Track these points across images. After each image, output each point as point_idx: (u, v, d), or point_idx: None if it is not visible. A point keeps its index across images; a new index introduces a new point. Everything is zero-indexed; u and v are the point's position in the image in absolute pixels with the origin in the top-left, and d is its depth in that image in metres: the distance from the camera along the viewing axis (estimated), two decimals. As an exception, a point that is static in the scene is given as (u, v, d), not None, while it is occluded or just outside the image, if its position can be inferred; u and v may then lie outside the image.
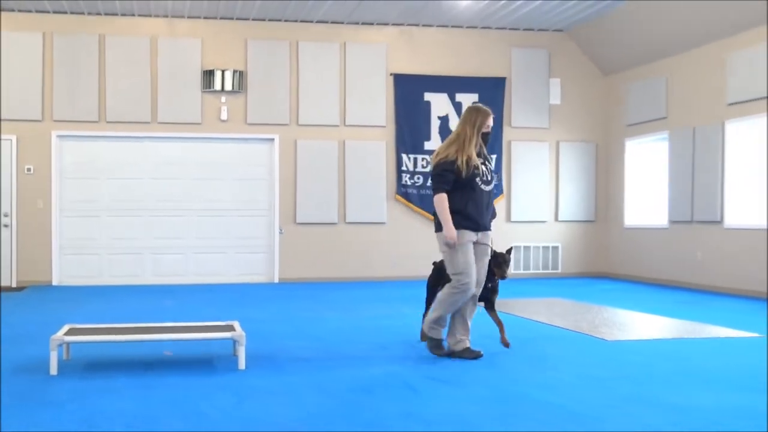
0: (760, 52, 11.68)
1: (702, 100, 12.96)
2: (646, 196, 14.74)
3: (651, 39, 13.74)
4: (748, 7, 11.51)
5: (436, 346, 6.72)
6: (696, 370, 6.15)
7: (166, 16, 14.06)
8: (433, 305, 6.84)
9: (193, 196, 14.28)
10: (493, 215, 7.11)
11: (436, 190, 6.59)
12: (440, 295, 6.77)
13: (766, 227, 11.60)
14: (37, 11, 13.65)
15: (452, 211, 6.58)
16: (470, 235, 6.63)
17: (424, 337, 7.06)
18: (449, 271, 6.65)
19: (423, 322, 7.12)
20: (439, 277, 7.23)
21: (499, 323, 7.22)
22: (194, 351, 6.88)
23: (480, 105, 6.96)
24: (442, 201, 6.52)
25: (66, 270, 13.89)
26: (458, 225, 6.57)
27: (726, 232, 12.39)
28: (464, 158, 6.53)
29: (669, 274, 13.75)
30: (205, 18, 14.21)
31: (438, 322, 6.68)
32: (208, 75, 14.11)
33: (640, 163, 14.95)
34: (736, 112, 12.24)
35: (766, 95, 11.55)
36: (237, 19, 14.29)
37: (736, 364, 6.44)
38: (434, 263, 7.55)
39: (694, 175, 13.05)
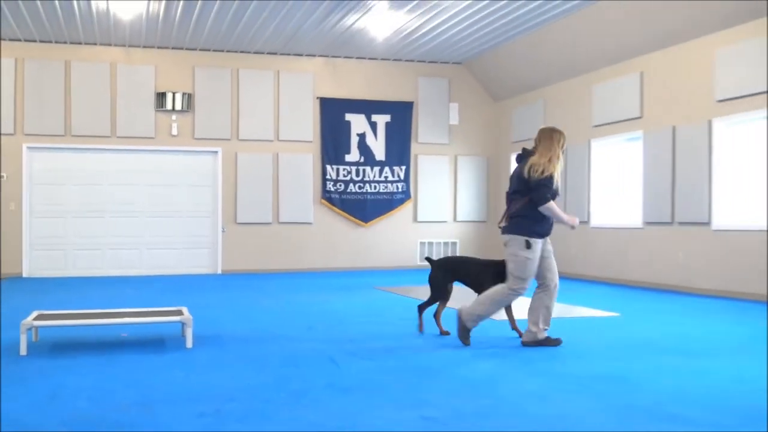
0: (621, 83, 11.97)
1: (572, 122, 13.22)
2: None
3: (531, 72, 13.97)
4: (612, 45, 11.79)
5: (467, 336, 6.16)
6: (566, 343, 6.24)
7: (124, 45, 13.73)
8: (483, 301, 6.13)
9: (147, 200, 13.99)
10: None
11: (544, 199, 5.92)
12: (494, 295, 6.12)
13: (624, 227, 11.91)
14: (10, 39, 13.19)
15: (530, 219, 6.01)
16: (540, 244, 6.06)
17: (443, 332, 6.65)
18: (516, 274, 6.01)
19: (420, 313, 6.84)
20: (446, 274, 6.73)
21: (512, 318, 6.67)
22: (148, 333, 6.73)
23: (557, 127, 6.25)
24: (552, 207, 5.96)
25: (35, 264, 13.48)
26: (532, 233, 5.99)
27: (591, 230, 12.67)
28: (557, 174, 6.00)
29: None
30: (158, 47, 13.92)
31: (483, 318, 6.16)
32: (161, 96, 13.83)
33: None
34: (599, 133, 12.53)
35: (622, 119, 11.86)
36: (186, 48, 14.04)
37: (597, 338, 6.58)
38: (430, 260, 7.00)
39: (566, 183, 13.29)
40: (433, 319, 6.92)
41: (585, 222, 12.79)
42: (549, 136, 6.09)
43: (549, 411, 4.03)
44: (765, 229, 9.30)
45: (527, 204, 6.00)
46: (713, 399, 4.33)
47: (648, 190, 11.30)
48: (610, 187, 12.47)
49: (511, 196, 6.17)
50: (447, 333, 6.69)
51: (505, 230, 6.13)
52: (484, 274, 6.54)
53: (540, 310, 6.12)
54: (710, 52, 10.20)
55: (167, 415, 3.97)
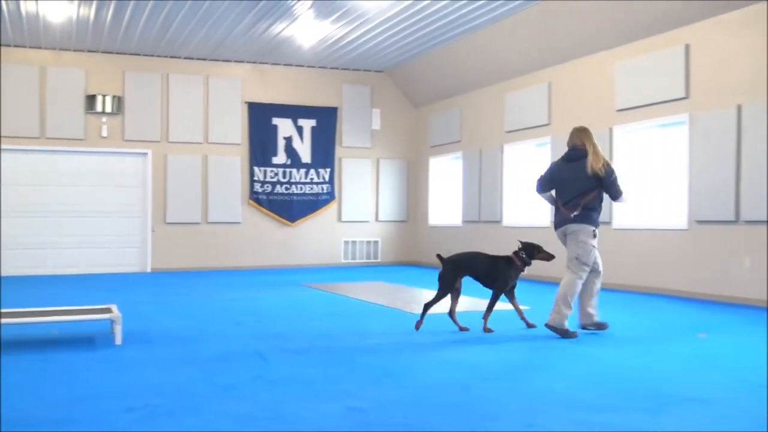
0: (531, 92, 12.21)
1: (486, 128, 13.42)
2: (445, 201, 15.14)
3: (449, 80, 14.11)
4: (523, 58, 12.01)
5: (572, 333, 6.13)
6: (482, 334, 6.31)
7: (54, 48, 13.24)
8: (563, 301, 6.14)
9: (77, 200, 13.51)
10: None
11: (622, 192, 6.36)
12: (567, 289, 6.17)
13: (532, 226, 12.15)
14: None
15: (597, 212, 6.32)
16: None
17: (463, 328, 6.50)
18: (583, 260, 6.19)
19: (425, 311, 6.52)
20: (456, 270, 6.57)
21: (519, 309, 6.70)
22: (78, 331, 6.49)
23: (583, 125, 6.62)
24: (626, 196, 6.47)
25: (-38, 263, 12.84)
26: (597, 225, 6.30)
27: (504, 229, 12.89)
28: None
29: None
30: (89, 51, 13.48)
31: (568, 310, 6.15)
32: (91, 99, 13.39)
33: (440, 175, 15.33)
34: (511, 138, 12.74)
35: (531, 126, 12.10)
36: (116, 53, 13.63)
37: (512, 329, 6.65)
38: (441, 257, 6.71)
39: (481, 186, 13.50)
40: (449, 318, 6.65)
41: (497, 221, 12.99)
42: (588, 134, 6.40)
43: (468, 399, 4.07)
44: (666, 227, 9.63)
45: (595, 198, 6.27)
46: (617, 384, 4.44)
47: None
48: (521, 188, 12.70)
49: (572, 192, 6.31)
50: (466, 329, 6.49)
51: (576, 220, 6.27)
52: (494, 268, 6.57)
53: (595, 294, 6.39)
54: (610, 65, 10.50)
55: (97, 411, 3.83)
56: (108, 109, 13.48)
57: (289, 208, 14.86)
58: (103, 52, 13.57)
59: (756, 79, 8.40)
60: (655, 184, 9.94)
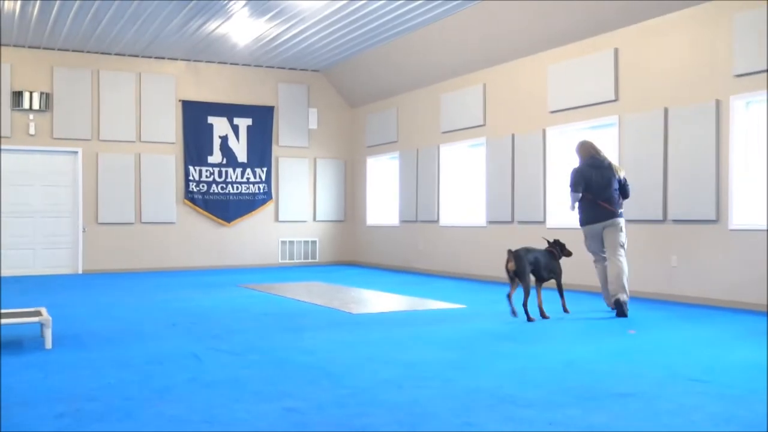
0: (467, 93, 12.35)
1: (423, 128, 13.53)
2: (382, 201, 15.20)
3: (385, 80, 14.17)
4: (456, 59, 12.14)
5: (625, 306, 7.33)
6: (418, 334, 6.38)
7: (-22, 43, 12.79)
8: (622, 275, 7.33)
9: (4, 200, 13.04)
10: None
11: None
12: (622, 267, 7.39)
13: (470, 225, 12.31)
14: None
15: (622, 208, 7.80)
16: None
17: (530, 318, 7.03)
18: (624, 245, 7.56)
19: (511, 301, 7.09)
20: (522, 263, 7.04)
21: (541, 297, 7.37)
22: (5, 335, 6.29)
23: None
24: None
25: None
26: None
27: (441, 229, 13.02)
28: None
29: (399, 261, 14.25)
30: (14, 45, 13.05)
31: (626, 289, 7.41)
32: (17, 95, 12.96)
33: (377, 175, 15.39)
34: (447, 139, 12.88)
35: (467, 126, 12.25)
36: (44, 48, 13.24)
37: (446, 328, 6.76)
38: (512, 251, 7.12)
39: (418, 185, 13.60)
40: (507, 300, 7.13)
41: (434, 221, 13.11)
42: (597, 146, 7.86)
43: (403, 398, 4.10)
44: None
45: (620, 197, 7.71)
46: (546, 380, 4.54)
47: (491, 192, 11.72)
48: (457, 188, 12.84)
49: (609, 192, 7.58)
50: (515, 314, 7.11)
51: (616, 215, 7.58)
52: (551, 260, 7.40)
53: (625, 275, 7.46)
54: (543, 67, 10.72)
55: (24, 417, 3.72)
56: (35, 105, 13.07)
57: (225, 207, 14.69)
58: (29, 47, 13.17)
59: (681, 83, 8.69)
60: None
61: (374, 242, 15.16)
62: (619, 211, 7.61)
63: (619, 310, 7.30)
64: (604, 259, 7.70)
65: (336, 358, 5.27)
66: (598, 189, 7.57)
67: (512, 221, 11.26)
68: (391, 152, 14.61)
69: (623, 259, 7.45)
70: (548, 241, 7.64)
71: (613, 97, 9.57)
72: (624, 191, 7.71)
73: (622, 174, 7.69)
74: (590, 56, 9.90)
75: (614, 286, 7.36)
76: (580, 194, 7.66)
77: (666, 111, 8.85)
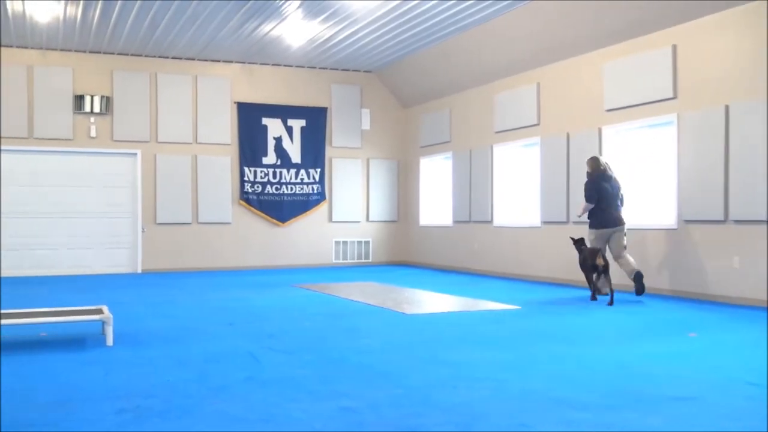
0: (520, 92, 12.27)
1: (476, 128, 13.47)
2: (436, 201, 15.18)
3: (439, 80, 14.15)
4: (511, 57, 12.07)
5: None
6: (471, 334, 6.38)
7: (41, 48, 13.21)
8: (633, 262, 9.06)
9: (66, 200, 13.49)
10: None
11: None
12: (631, 258, 9.10)
13: (524, 226, 12.22)
14: None
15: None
16: None
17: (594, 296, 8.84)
18: (627, 247, 9.25)
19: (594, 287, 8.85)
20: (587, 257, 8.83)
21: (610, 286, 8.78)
22: (67, 332, 6.50)
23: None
24: None
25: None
26: None
27: (495, 229, 12.95)
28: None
29: (452, 261, 14.21)
30: (76, 51, 13.45)
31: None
32: (79, 99, 13.36)
33: (430, 175, 15.38)
34: (500, 139, 12.80)
35: (521, 126, 12.16)
36: (104, 52, 13.62)
37: (500, 329, 6.73)
38: (598, 249, 8.81)
39: (471, 185, 13.55)
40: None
41: (488, 221, 13.05)
42: (606, 163, 9.36)
43: (457, 399, 4.10)
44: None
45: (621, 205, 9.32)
46: (601, 382, 4.49)
47: (545, 192, 11.61)
48: (511, 188, 12.76)
49: (617, 201, 9.23)
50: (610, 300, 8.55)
51: (623, 222, 9.21)
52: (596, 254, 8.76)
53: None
54: (599, 65, 10.57)
55: (86, 412, 3.84)
56: (96, 109, 13.46)
57: (280, 208, 14.87)
58: (90, 51, 13.55)
59: (742, 79, 8.47)
60: (645, 183, 10.01)
61: (427, 242, 15.15)
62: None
63: (640, 281, 8.75)
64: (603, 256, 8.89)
65: (390, 358, 5.30)
66: (610, 199, 9.16)
67: (567, 221, 11.13)
68: (444, 152, 14.59)
69: (629, 257, 9.16)
70: (574, 239, 9.32)
71: (671, 95, 9.38)
72: (623, 201, 9.38)
73: (622, 186, 9.41)
74: (647, 53, 9.72)
75: (632, 267, 8.92)
76: (594, 204, 9.17)
77: (727, 108, 8.64)
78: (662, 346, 5.77)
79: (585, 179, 9.41)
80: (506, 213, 12.80)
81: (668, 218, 9.52)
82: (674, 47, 9.36)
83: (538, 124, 11.84)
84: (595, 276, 8.78)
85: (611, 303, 8.37)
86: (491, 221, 13.00)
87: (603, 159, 9.37)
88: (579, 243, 9.19)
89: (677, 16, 9.22)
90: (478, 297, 9.32)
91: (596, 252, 8.64)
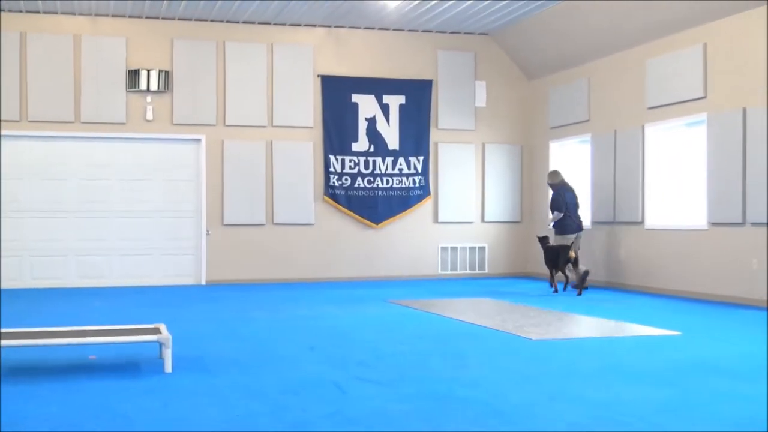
0: (678, 57, 11.97)
1: (623, 103, 13.22)
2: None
3: (573, 43, 13.96)
4: (669, 12, 11.79)
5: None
6: (618, 366, 6.27)
7: (90, 14, 13.80)
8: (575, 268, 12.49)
9: (118, 197, 14.01)
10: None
11: None
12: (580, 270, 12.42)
13: (685, 228, 11.91)
14: (-45, 8, 13.28)
15: None
16: None
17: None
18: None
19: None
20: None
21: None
22: (120, 354, 6.77)
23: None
24: None
25: (-15, 273, 13.47)
26: None
27: (647, 233, 12.67)
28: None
29: (591, 274, 13.98)
30: (129, 17, 13.98)
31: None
32: (133, 74, 13.88)
33: (563, 164, 15.15)
34: (654, 117, 12.52)
35: (683, 99, 11.86)
36: (162, 18, 14.10)
37: (655, 360, 6.58)
38: (553, 246, 12.69)
39: (616, 177, 13.31)
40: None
41: (638, 223, 12.79)
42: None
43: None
44: None
45: None
46: (789, 432, 4.35)
47: (713, 184, 11.29)
48: (669, 181, 12.46)
49: (577, 209, 12.95)
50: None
51: (582, 227, 12.99)
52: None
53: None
54: (786, 19, 10.19)
55: (143, 450, 4.01)
56: (153, 86, 13.93)
57: (373, 206, 15.00)
58: (146, 17, 14.07)
59: None
60: None
61: (559, 249, 14.96)
62: None
63: (585, 278, 12.32)
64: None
65: (508, 394, 5.28)
66: (574, 208, 12.87)
67: (743, 223, 10.78)
68: (580, 135, 14.38)
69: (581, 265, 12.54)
70: (540, 237, 13.01)
71: None
72: (579, 208, 13.09)
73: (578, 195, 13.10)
74: None
75: (582, 267, 12.46)
76: (563, 213, 12.74)
77: None
78: None
79: (551, 191, 13.10)
80: (662, 212, 12.51)
81: None
82: None
83: (704, 97, 11.52)
84: (566, 268, 12.50)
85: (573, 292, 12.28)
86: (642, 222, 12.73)
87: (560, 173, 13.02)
88: (544, 240, 12.77)
89: None
90: (626, 319, 9.17)
91: (568, 247, 12.31)
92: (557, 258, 12.37)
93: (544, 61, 15.10)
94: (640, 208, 12.79)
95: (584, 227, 13.08)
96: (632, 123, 12.98)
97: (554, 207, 12.87)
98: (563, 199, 12.74)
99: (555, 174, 13.08)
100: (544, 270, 15.39)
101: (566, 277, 12.65)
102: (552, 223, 13.00)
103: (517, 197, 15.84)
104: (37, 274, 13.69)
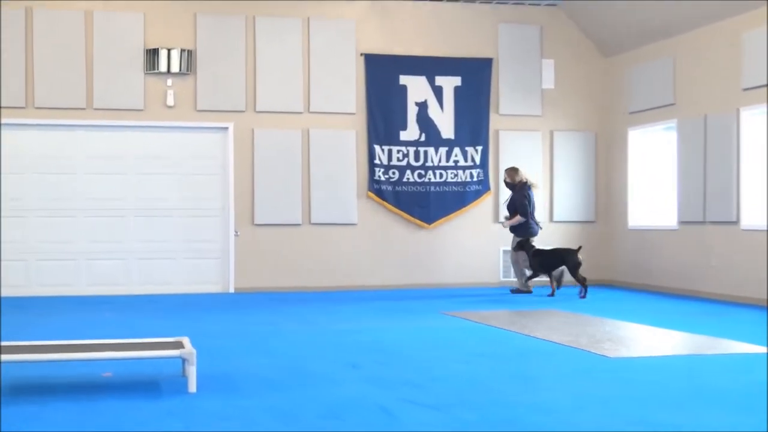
0: (779, 29, 11.82)
1: (714, 84, 13.06)
2: (653, 192, 14.84)
3: (656, 14, 13.82)
4: (767, -22, 11.64)
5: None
6: (709, 389, 6.19)
7: (104, -13, 13.95)
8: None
9: (135, 193, 14.12)
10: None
11: None
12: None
13: (787, 228, 11.75)
14: (-47, -19, 13.47)
15: None
16: None
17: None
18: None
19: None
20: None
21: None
22: (138, 371, 6.81)
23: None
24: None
25: (-15, 279, 13.63)
26: None
27: (743, 234, 12.49)
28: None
29: (678, 282, 13.84)
30: (148, -11, 14.13)
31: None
32: (152, 54, 13.97)
33: (645, 155, 15.03)
34: (752, 99, 12.34)
35: (786, 78, 11.70)
36: (185, -10, 14.23)
37: (754, 382, 6.47)
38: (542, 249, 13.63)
39: (706, 169, 13.15)
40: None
41: (733, 222, 12.62)
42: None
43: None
44: None
45: None
46: None
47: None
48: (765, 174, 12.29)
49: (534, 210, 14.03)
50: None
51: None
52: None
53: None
54: None
55: (163, 481, 4.01)
56: (175, 68, 14.00)
57: (425, 203, 14.97)
58: (168, -11, 14.19)
59: None
60: None
61: (640, 253, 14.84)
62: None
63: (562, 279, 13.54)
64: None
65: (583, 420, 5.24)
66: (533, 208, 13.76)
67: None
68: (665, 120, 14.25)
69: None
70: (523, 243, 13.65)
71: None
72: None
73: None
74: None
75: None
76: (526, 218, 13.58)
77: None
78: None
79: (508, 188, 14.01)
80: (760, 209, 12.32)
81: None
82: None
83: (810, 76, 11.35)
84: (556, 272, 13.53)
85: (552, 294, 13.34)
86: (737, 222, 12.56)
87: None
88: (528, 245, 13.54)
89: None
90: (718, 334, 9.03)
91: (572, 250, 13.54)
92: (552, 260, 13.36)
93: (622, 36, 14.98)
94: (734, 206, 12.61)
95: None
96: (725, 107, 12.81)
97: (520, 210, 13.52)
98: (529, 200, 13.58)
99: (515, 171, 13.77)
100: (626, 278, 15.33)
101: (556, 281, 13.61)
102: (509, 226, 13.79)
103: (591, 193, 15.72)
104: (44, 280, 13.83)
